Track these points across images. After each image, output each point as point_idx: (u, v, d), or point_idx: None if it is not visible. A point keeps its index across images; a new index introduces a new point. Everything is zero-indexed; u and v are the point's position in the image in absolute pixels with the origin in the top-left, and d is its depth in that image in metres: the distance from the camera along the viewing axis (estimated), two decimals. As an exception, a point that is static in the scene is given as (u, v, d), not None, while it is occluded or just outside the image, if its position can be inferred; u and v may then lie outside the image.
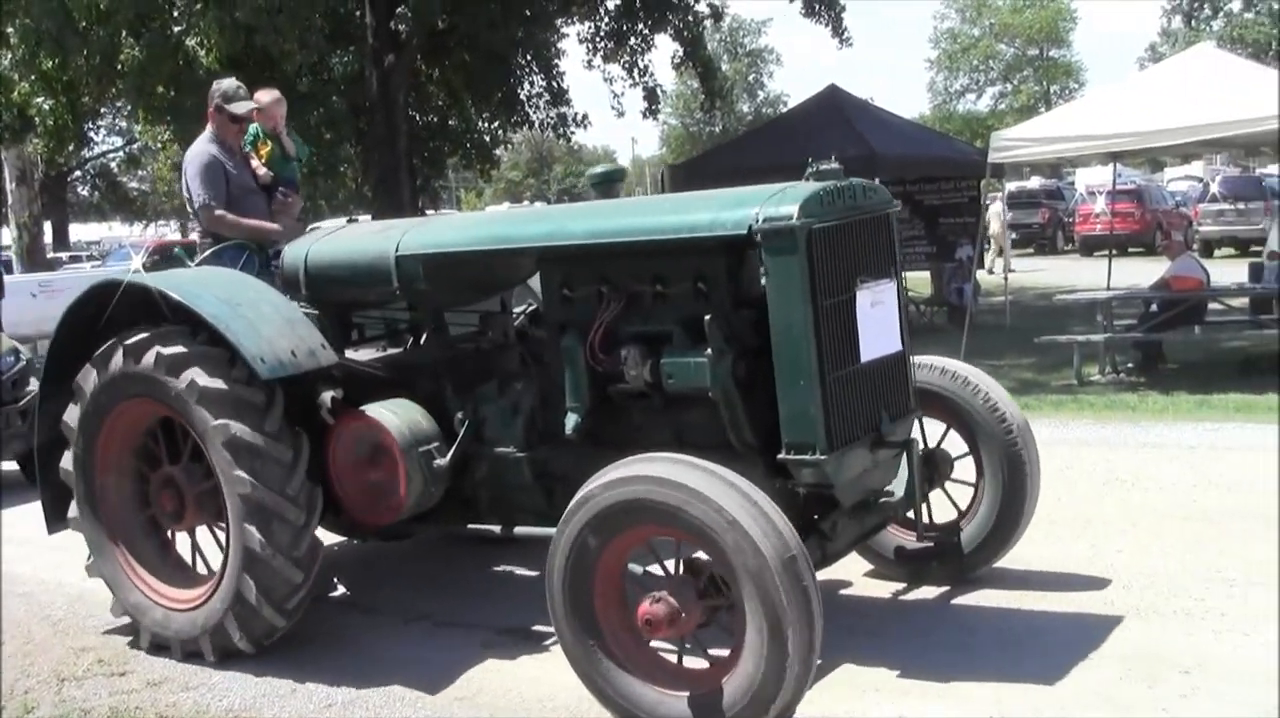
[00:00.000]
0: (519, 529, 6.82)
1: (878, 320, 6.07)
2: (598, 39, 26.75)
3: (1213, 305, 16.52)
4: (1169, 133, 14.60)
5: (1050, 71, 76.50)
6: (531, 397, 6.81)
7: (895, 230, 6.33)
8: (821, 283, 5.68)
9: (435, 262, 6.85)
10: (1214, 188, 36.78)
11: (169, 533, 7.50)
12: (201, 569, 7.40)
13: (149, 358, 6.67)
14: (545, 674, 6.41)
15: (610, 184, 7.19)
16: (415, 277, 6.86)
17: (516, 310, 7.93)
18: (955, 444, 7.13)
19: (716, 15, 28.23)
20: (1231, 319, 16.65)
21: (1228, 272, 20.50)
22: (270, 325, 6.64)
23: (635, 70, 27.05)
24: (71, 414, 7.18)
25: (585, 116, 27.73)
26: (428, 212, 23.21)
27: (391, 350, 7.78)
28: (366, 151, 23.80)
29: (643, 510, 5.30)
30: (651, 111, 28.39)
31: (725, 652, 5.39)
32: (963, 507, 7.23)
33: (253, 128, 9.11)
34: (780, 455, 5.74)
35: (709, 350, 5.85)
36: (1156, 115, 14.50)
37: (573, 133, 28.23)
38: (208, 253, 8.26)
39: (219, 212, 8.46)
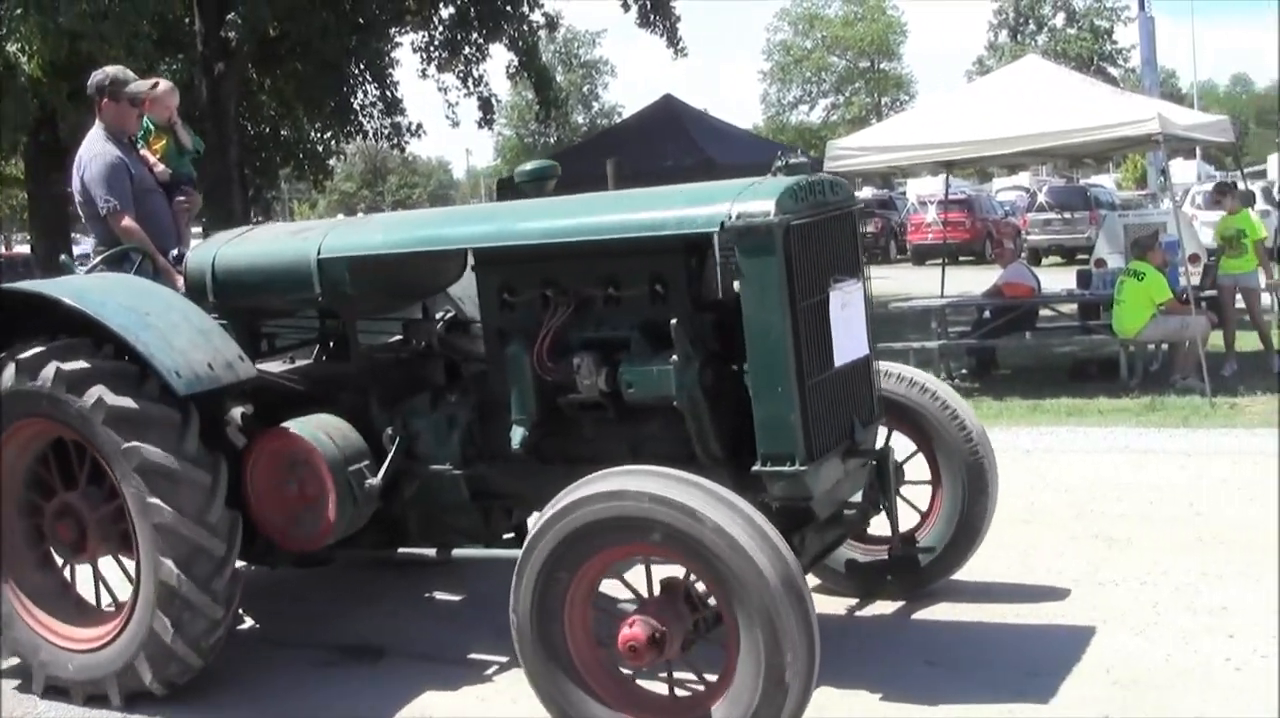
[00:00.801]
0: (457, 552, 6.39)
1: (847, 322, 5.74)
2: (432, 48, 26.61)
3: (1043, 312, 16.92)
4: (997, 143, 14.82)
5: (881, 84, 77.69)
6: (467, 409, 6.36)
7: (859, 228, 6.04)
8: (798, 283, 5.34)
9: (362, 264, 6.36)
10: (1041, 197, 37.60)
11: (66, 567, 6.80)
12: (107, 602, 6.77)
13: (47, 373, 6.02)
14: (493, 706, 6.07)
15: (542, 181, 6.73)
16: (339, 281, 6.34)
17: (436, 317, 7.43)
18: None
19: (551, 25, 28.27)
20: (1061, 325, 17.03)
21: (1056, 279, 20.93)
22: (182, 336, 6.05)
23: (470, 80, 26.98)
24: None
25: (419, 126, 27.58)
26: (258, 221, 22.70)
27: (301, 363, 7.21)
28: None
29: (626, 528, 4.93)
30: (486, 122, 28.33)
31: (706, 678, 5.12)
32: (912, 517, 6.95)
33: (143, 122, 8.43)
34: (756, 467, 5.39)
35: (674, 357, 5.50)
36: (985, 126, 14.70)
37: (407, 143, 28.15)
38: (98, 259, 7.55)
39: (127, 221, 7.75)
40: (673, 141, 19.15)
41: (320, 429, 6.21)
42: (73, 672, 6.33)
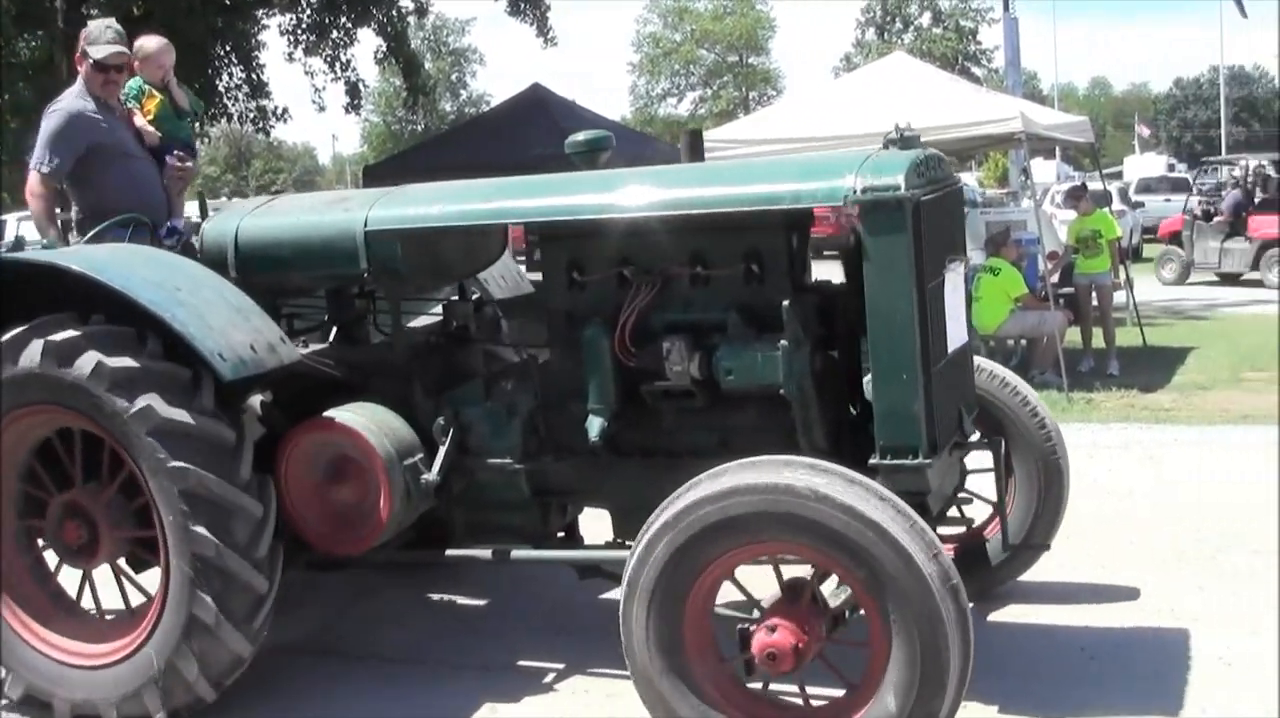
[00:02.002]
0: (516, 553, 5.83)
1: (956, 307, 5.41)
2: (299, 31, 26.24)
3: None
4: (864, 138, 14.89)
5: (749, 77, 78.19)
6: (528, 398, 5.84)
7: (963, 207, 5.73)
8: (924, 263, 4.97)
9: (414, 238, 5.85)
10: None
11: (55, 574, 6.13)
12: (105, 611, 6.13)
13: (84, 365, 5.28)
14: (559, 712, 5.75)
15: (595, 153, 6.18)
16: (389, 256, 5.79)
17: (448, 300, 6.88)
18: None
19: (421, 11, 28.00)
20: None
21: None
22: (219, 315, 5.45)
23: (337, 64, 26.65)
24: None
25: (285, 110, 27.15)
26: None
27: (318, 346, 6.58)
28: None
29: (770, 525, 4.52)
30: (353, 107, 28.02)
31: (839, 689, 4.83)
32: (974, 517, 6.61)
33: (133, 83, 7.58)
34: (874, 460, 4.99)
35: (782, 341, 5.10)
36: (851, 121, 14.82)
37: (273, 127, 27.70)
38: (94, 231, 6.71)
39: (35, 185, 7.00)
40: (540, 130, 19.05)
41: (370, 419, 5.68)
42: (88, 694, 5.61)
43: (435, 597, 7.46)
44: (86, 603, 6.13)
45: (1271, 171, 28.11)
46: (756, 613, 4.77)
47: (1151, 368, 14.33)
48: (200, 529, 5.20)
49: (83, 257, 5.68)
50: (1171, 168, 48.76)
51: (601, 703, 5.76)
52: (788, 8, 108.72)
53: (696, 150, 6.14)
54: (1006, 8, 23.33)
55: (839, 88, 18.68)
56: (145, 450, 5.23)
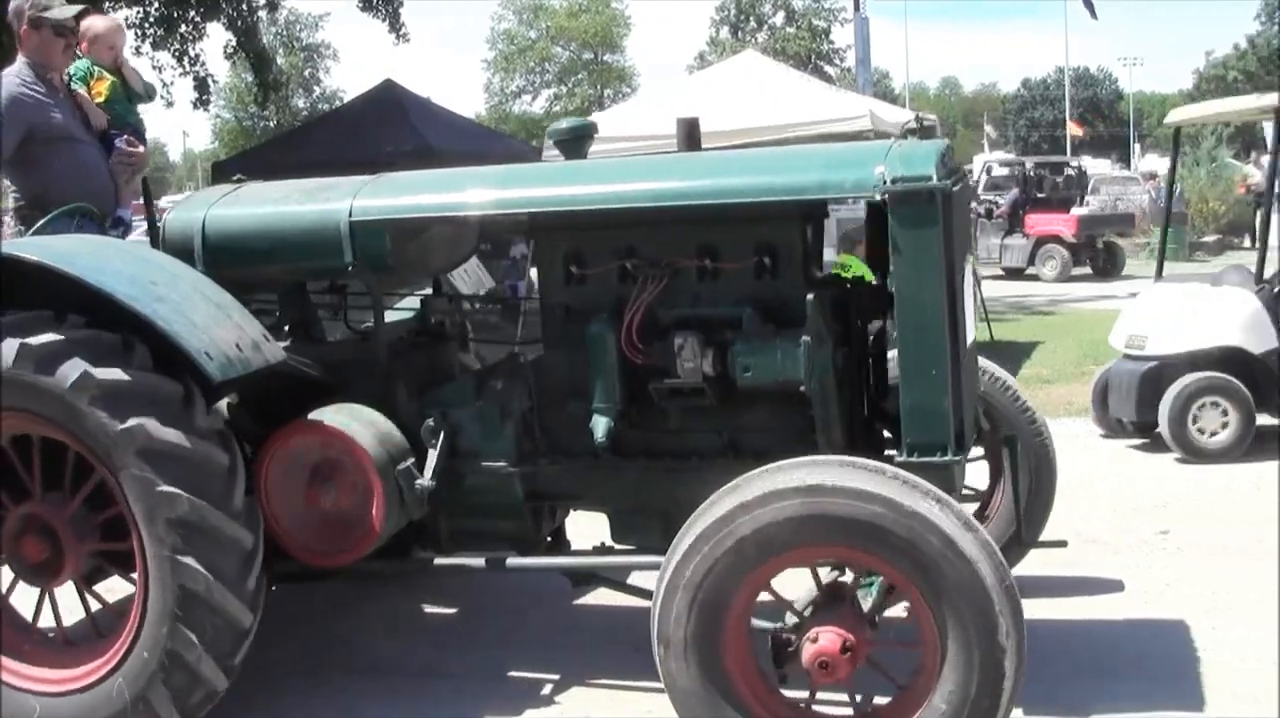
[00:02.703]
0: (512, 561, 5.55)
1: (969, 301, 5.18)
2: (146, 25, 25.70)
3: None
4: (716, 135, 15.02)
5: (604, 76, 78.36)
6: (521, 398, 5.55)
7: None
8: (954, 255, 4.84)
9: (405, 229, 5.57)
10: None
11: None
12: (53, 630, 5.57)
13: (67, 374, 4.78)
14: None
15: (580, 141, 5.90)
16: (377, 248, 5.48)
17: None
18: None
19: (272, 6, 27.68)
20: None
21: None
22: (200, 311, 5.06)
23: (185, 59, 26.17)
24: None
25: (132, 105, 26.58)
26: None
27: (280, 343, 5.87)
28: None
29: (819, 528, 4.34)
30: (202, 103, 27.61)
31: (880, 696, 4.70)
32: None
33: (80, 64, 7.16)
34: (900, 458, 4.80)
35: (806, 336, 4.91)
36: (704, 118, 14.89)
37: (118, 121, 27.03)
38: (41, 222, 6.17)
39: None
40: (393, 127, 18.93)
41: (356, 421, 5.34)
42: None
43: (416, 607, 7.13)
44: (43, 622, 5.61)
45: (1047, 173, 30.79)
46: (794, 620, 4.60)
47: (998, 362, 14.55)
48: (189, 561, 4.76)
49: (46, 248, 5.15)
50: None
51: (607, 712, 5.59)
52: (643, 6, 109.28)
53: (694, 139, 5.85)
54: (858, 7, 23.67)
55: (692, 85, 18.78)
56: (131, 471, 4.77)
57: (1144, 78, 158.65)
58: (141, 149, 7.31)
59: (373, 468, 5.21)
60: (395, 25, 26.00)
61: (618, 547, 5.57)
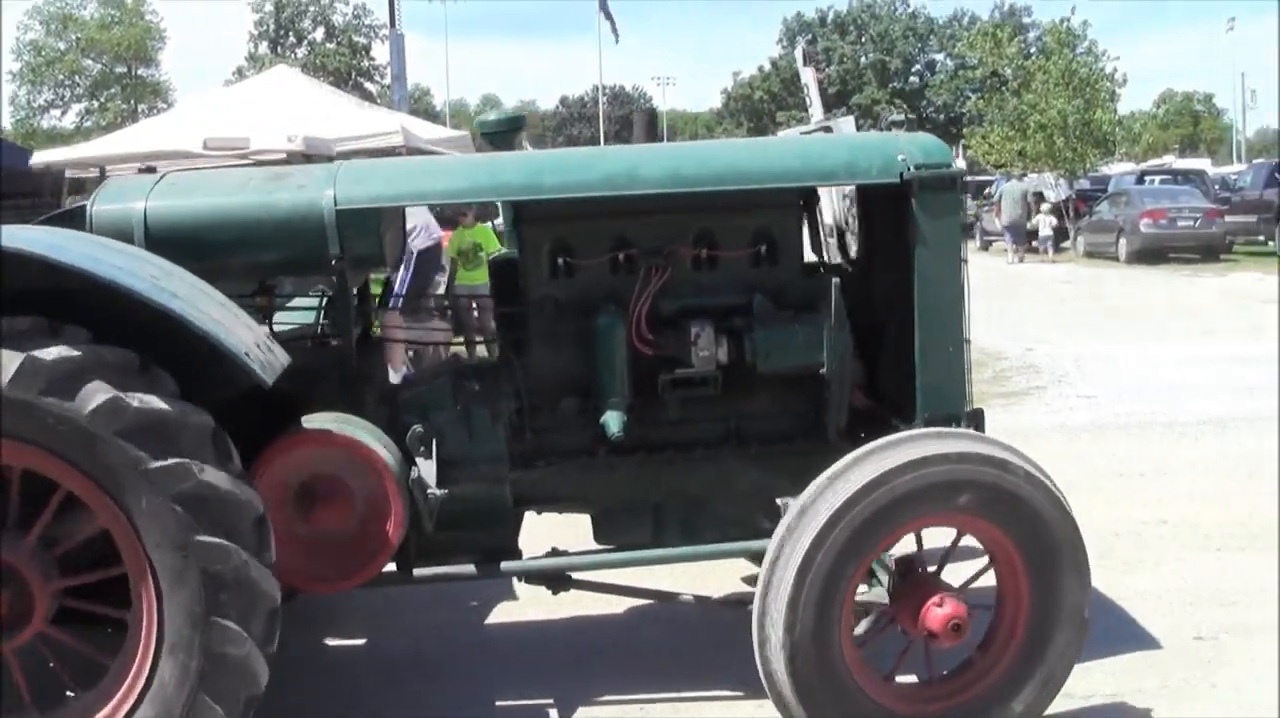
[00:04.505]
0: (508, 565, 5.13)
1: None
2: None
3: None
4: (256, 151, 15.19)
5: (138, 89, 75.97)
6: (509, 398, 5.13)
7: None
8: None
9: (388, 219, 5.17)
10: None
11: None
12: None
13: (89, 396, 3.96)
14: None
15: (509, 133, 5.66)
16: (366, 238, 4.99)
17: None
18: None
19: None
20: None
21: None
22: (215, 310, 4.34)
23: None
24: None
25: None
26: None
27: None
28: None
29: (931, 498, 4.43)
30: None
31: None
32: None
33: None
34: (915, 430, 4.81)
35: (827, 320, 4.93)
36: (241, 133, 15.01)
37: None
38: None
39: None
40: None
41: (361, 430, 4.75)
42: None
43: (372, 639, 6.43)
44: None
45: None
46: (880, 594, 4.75)
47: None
48: (228, 624, 4.09)
49: (31, 240, 4.20)
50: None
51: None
52: (180, 20, 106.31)
53: (652, 130, 5.75)
54: (393, 24, 24.13)
55: (227, 101, 18.80)
56: (160, 516, 4.03)
57: (677, 96, 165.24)
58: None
59: (392, 480, 4.65)
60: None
61: (597, 547, 5.36)
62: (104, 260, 4.19)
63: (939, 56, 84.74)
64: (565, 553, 5.25)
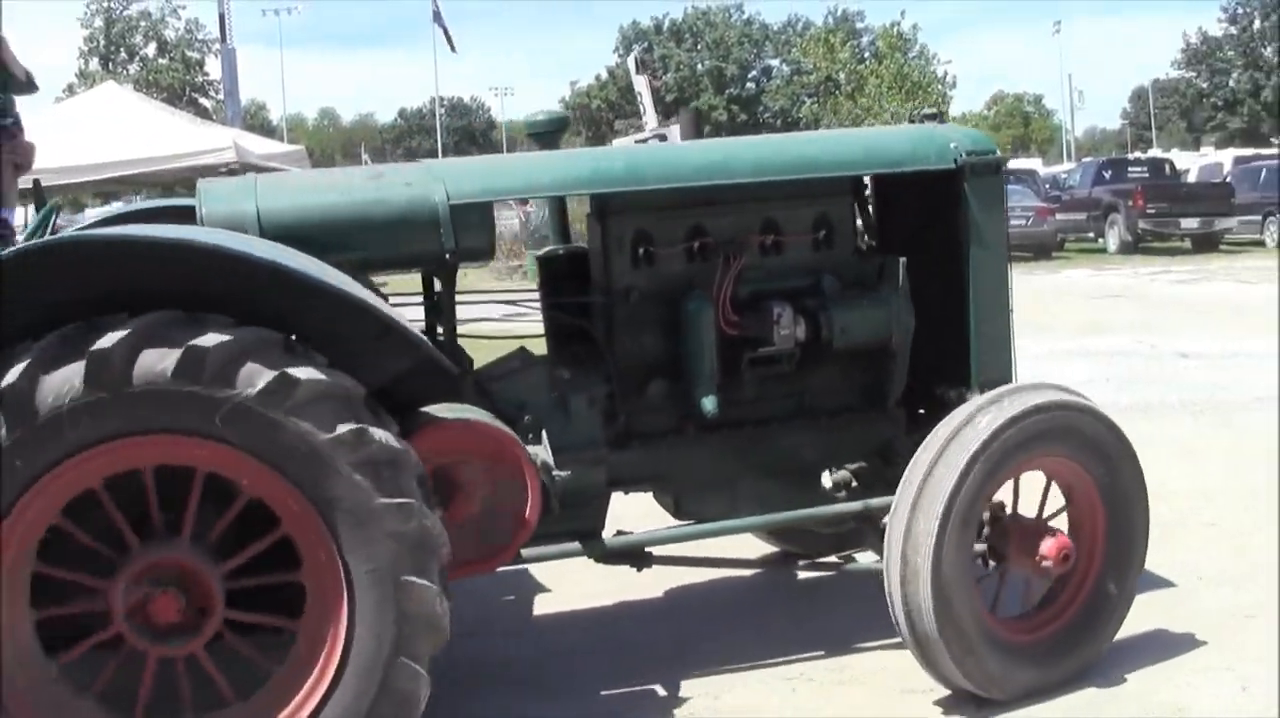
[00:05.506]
0: (617, 540, 5.25)
1: None
2: None
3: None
4: (84, 169, 15.03)
5: (-36, 109, 74.12)
6: (598, 382, 5.28)
7: None
8: None
9: (492, 212, 5.29)
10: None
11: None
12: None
13: (252, 376, 3.81)
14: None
15: (554, 134, 5.86)
16: (477, 232, 5.06)
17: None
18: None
19: None
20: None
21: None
22: (381, 302, 4.42)
23: None
24: None
25: None
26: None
27: None
28: None
29: (1056, 440, 4.84)
30: None
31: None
32: None
33: None
34: (971, 396, 5.20)
35: (894, 297, 5.30)
36: (72, 151, 14.83)
37: None
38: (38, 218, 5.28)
39: None
40: None
41: (487, 417, 4.79)
42: None
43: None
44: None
45: None
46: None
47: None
48: (418, 580, 4.01)
49: (219, 237, 4.22)
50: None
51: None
52: (7, 34, 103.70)
53: (698, 128, 5.95)
54: (224, 38, 23.91)
55: (57, 118, 18.52)
56: (340, 487, 3.90)
57: (515, 106, 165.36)
58: (26, 143, 6.10)
59: (529, 464, 4.73)
60: None
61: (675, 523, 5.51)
62: (282, 257, 4.15)
63: (774, 62, 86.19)
64: (628, 533, 5.39)
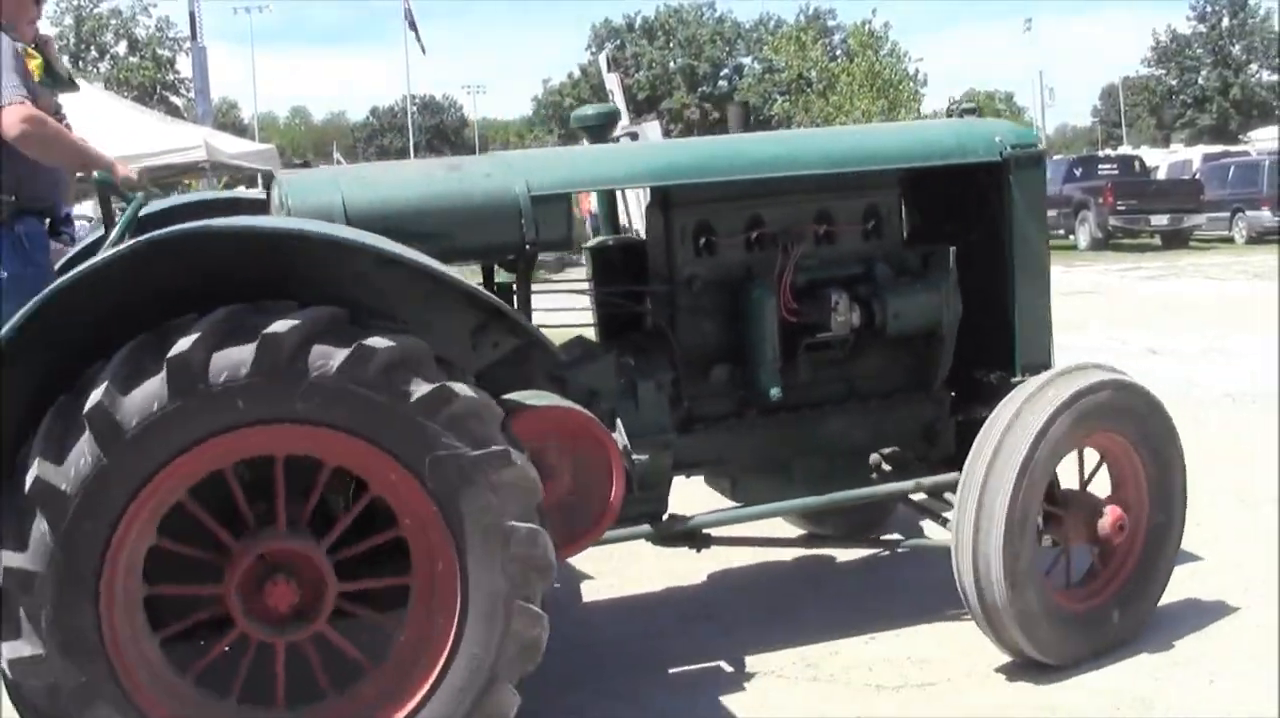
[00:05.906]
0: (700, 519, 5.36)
1: None
2: None
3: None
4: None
5: (-67, 108, 73.69)
6: (664, 369, 5.35)
7: None
8: None
9: (568, 204, 5.39)
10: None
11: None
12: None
13: (417, 385, 3.89)
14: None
15: (604, 128, 6.01)
16: (556, 224, 5.14)
17: None
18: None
19: None
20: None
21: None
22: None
23: None
24: (77, 455, 3.66)
25: None
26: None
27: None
28: None
29: (1116, 417, 5.09)
30: None
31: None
32: None
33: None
34: (1016, 379, 5.45)
35: (944, 283, 5.49)
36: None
37: None
38: (127, 212, 5.14)
39: (33, 114, 5.05)
40: None
41: (566, 402, 4.82)
42: None
43: None
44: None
45: None
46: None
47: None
48: (535, 609, 4.09)
49: (325, 226, 4.35)
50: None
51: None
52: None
53: (746, 122, 6.29)
54: (195, 36, 23.81)
55: (25, 118, 18.45)
56: (476, 503, 3.99)
57: (488, 104, 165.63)
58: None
59: (615, 449, 4.76)
60: None
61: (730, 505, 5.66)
62: (396, 247, 4.20)
63: (746, 60, 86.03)
64: (684, 516, 5.37)
